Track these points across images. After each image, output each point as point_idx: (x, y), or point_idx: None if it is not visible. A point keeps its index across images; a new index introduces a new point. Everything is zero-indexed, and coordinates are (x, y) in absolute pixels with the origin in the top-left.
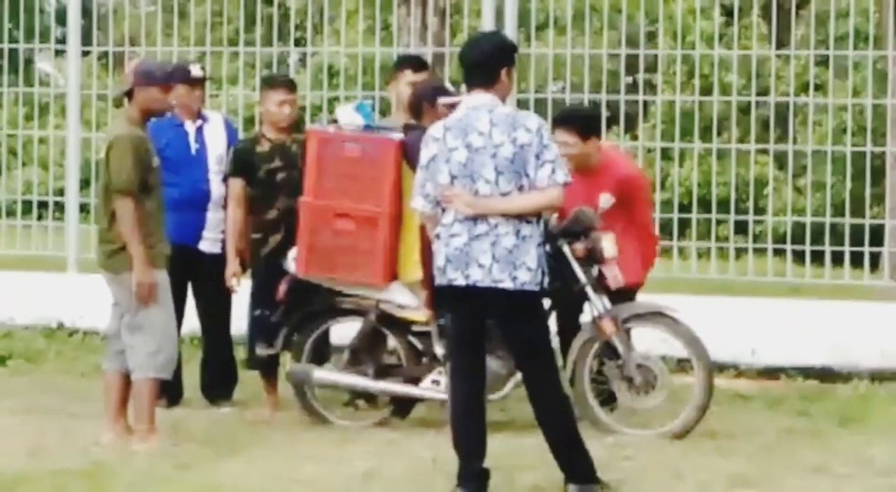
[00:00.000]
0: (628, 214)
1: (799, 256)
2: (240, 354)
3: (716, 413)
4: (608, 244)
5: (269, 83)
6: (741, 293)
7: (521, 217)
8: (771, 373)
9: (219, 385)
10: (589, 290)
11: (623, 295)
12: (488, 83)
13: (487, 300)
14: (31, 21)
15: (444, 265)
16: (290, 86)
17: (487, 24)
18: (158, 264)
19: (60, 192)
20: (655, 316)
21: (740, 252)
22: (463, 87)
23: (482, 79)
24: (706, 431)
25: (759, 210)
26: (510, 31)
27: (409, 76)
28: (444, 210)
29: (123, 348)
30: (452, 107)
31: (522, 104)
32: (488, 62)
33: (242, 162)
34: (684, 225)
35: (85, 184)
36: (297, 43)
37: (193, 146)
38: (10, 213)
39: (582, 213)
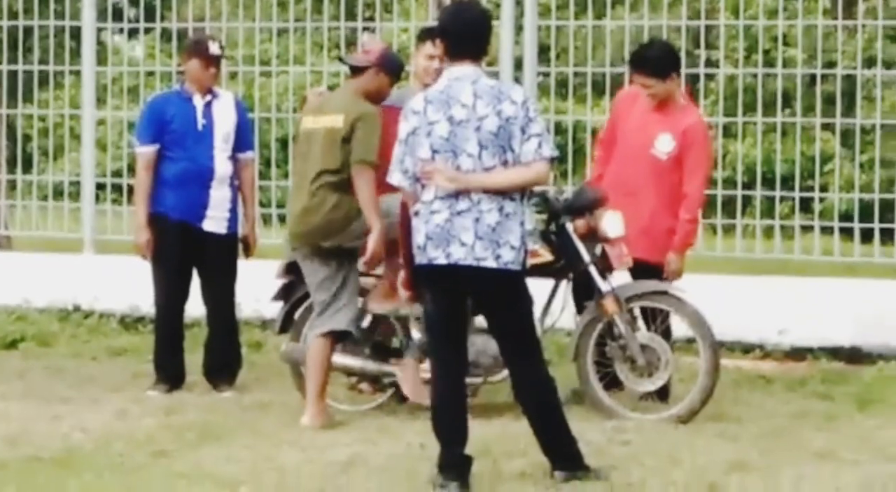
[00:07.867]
0: (679, 176)
1: (848, 234)
2: (246, 337)
3: (731, 396)
4: (614, 223)
5: None
6: (794, 273)
7: (505, 193)
8: (798, 354)
9: (222, 369)
10: (591, 269)
11: (646, 274)
12: (479, 54)
13: (469, 280)
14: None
15: (424, 243)
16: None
17: None
18: None
19: (116, 173)
20: (660, 295)
21: (792, 229)
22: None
23: (473, 49)
24: (713, 414)
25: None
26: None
27: (428, 48)
28: (423, 186)
29: None
30: None
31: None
32: (481, 32)
33: None
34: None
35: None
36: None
37: (200, 121)
38: (59, 194)
39: (586, 188)
